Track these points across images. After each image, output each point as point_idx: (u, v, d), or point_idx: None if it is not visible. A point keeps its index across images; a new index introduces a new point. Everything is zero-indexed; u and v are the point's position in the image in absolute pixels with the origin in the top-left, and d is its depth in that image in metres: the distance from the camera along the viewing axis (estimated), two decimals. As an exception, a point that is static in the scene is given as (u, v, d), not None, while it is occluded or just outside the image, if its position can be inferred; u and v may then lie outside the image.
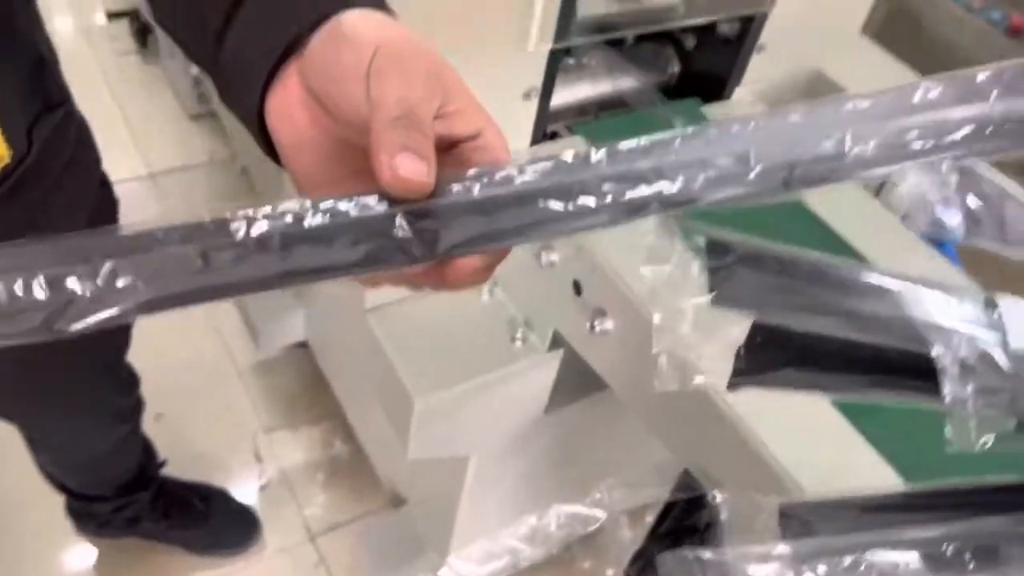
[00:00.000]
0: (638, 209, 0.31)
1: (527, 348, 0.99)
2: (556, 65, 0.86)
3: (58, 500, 1.26)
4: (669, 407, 0.78)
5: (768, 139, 0.31)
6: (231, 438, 1.54)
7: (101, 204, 0.82)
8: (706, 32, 1.00)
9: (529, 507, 1.36)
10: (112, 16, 2.15)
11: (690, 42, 1.02)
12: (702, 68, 1.03)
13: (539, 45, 0.82)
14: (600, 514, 1.41)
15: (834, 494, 0.46)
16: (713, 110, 1.02)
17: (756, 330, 0.37)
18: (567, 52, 0.90)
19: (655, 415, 0.82)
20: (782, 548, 0.39)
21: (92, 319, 0.27)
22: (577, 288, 0.84)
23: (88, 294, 0.27)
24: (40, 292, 0.27)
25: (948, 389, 0.35)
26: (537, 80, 0.86)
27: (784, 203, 0.32)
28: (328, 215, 0.30)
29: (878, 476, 0.66)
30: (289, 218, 0.30)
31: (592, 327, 0.81)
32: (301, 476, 1.51)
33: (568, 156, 0.31)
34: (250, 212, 0.30)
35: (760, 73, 1.03)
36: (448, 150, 0.34)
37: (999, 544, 0.39)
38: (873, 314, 0.36)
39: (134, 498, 1.27)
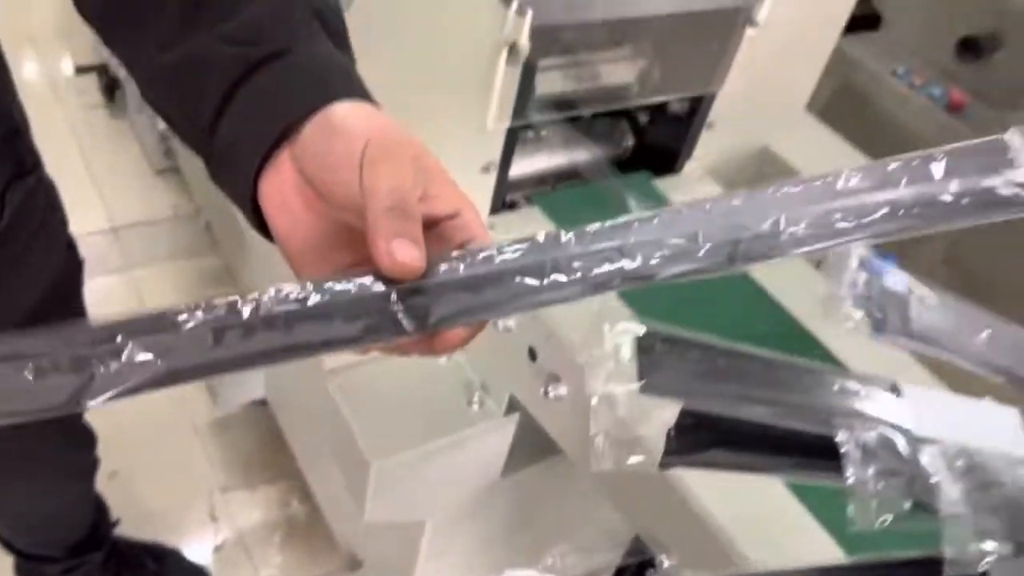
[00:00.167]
0: (603, 284, 0.35)
1: (484, 412, 1.00)
2: (514, 140, 0.89)
3: (7, 561, 1.23)
4: (620, 473, 0.80)
5: (714, 220, 0.35)
6: (186, 497, 1.52)
7: (68, 265, 0.83)
8: (659, 110, 1.04)
9: (483, 572, 1.36)
10: (80, 70, 2.16)
11: (644, 118, 1.07)
12: (655, 142, 1.08)
13: (498, 124, 0.85)
14: (553, 579, 1.41)
15: (777, 568, 0.48)
16: (663, 183, 1.06)
17: (685, 414, 0.39)
18: (526, 126, 0.94)
19: (607, 480, 0.84)
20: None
21: (113, 392, 0.31)
22: (532, 354, 0.87)
23: (111, 370, 0.31)
24: (67, 368, 0.30)
25: (850, 471, 0.38)
26: (496, 155, 0.89)
27: (732, 277, 0.35)
28: (328, 294, 0.34)
29: (821, 549, 0.67)
30: (293, 297, 0.33)
31: (546, 392, 0.83)
32: (257, 537, 1.49)
33: (541, 237, 0.35)
34: (257, 295, 0.33)
35: (710, 148, 1.08)
36: (430, 228, 0.37)
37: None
38: (788, 401, 0.39)
39: (85, 559, 1.24)
